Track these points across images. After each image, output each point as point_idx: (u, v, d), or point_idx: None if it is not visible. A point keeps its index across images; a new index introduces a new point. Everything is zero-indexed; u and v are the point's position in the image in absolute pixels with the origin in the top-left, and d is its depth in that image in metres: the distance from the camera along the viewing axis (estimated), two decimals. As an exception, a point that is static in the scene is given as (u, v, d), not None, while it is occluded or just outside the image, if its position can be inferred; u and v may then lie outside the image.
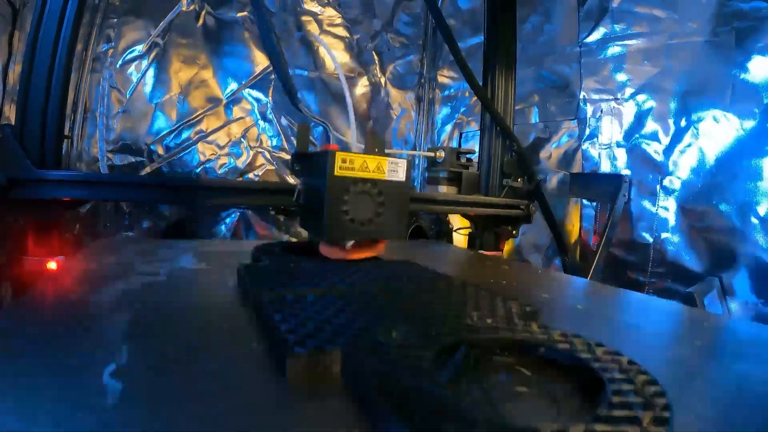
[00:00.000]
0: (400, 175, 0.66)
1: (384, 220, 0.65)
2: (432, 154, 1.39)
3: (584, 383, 0.30)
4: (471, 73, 1.27)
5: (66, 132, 1.53)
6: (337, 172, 0.61)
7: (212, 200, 0.96)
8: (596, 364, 0.31)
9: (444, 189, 1.36)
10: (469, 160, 1.42)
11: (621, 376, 0.29)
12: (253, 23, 1.93)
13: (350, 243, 0.67)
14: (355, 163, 0.62)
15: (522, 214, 1.34)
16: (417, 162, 2.28)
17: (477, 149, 1.50)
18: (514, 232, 1.39)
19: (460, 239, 1.55)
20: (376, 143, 0.67)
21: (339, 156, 0.61)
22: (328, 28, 2.09)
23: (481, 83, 1.39)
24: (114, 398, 0.28)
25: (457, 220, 1.58)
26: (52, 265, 0.89)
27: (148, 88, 1.79)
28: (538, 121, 1.77)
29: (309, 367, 0.31)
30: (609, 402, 0.26)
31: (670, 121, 1.36)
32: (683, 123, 1.33)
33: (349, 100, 0.88)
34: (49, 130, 0.85)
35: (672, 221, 1.34)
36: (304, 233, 1.98)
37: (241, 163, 1.92)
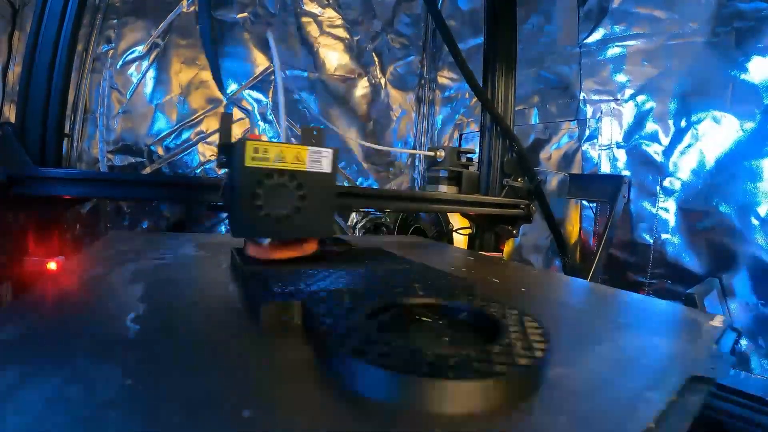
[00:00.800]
0: (325, 167, 0.60)
1: (305, 215, 0.59)
2: (432, 154, 1.39)
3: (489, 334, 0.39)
4: (471, 73, 1.27)
5: (66, 131, 1.53)
6: (249, 162, 0.55)
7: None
8: (500, 319, 0.40)
9: (444, 188, 1.36)
10: (470, 159, 1.42)
11: (515, 325, 0.39)
12: (254, 24, 1.93)
13: (266, 241, 0.62)
14: (269, 152, 0.56)
15: (522, 214, 1.34)
16: (417, 162, 2.29)
17: (477, 150, 1.50)
18: (514, 231, 1.38)
19: (460, 239, 1.55)
20: (311, 136, 0.62)
21: (250, 145, 0.55)
22: (329, 29, 2.09)
23: (481, 84, 1.39)
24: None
25: (456, 220, 1.58)
26: (52, 265, 0.89)
27: (148, 89, 1.79)
28: (538, 122, 1.77)
29: (276, 314, 0.43)
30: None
31: (670, 122, 1.36)
32: (683, 124, 1.33)
33: (280, 84, 0.81)
34: (49, 128, 0.85)
35: (672, 222, 1.34)
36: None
37: (241, 163, 1.92)
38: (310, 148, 0.58)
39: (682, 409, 0.33)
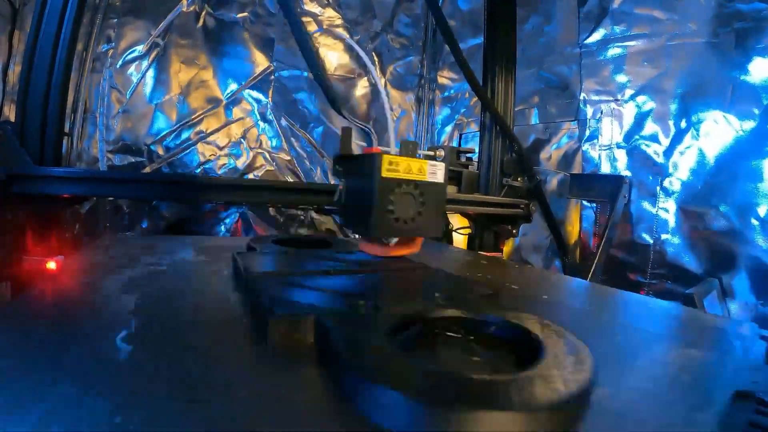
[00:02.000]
0: (439, 177, 0.69)
1: (424, 218, 0.68)
2: (432, 153, 1.39)
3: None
4: (471, 72, 1.27)
5: (66, 130, 1.53)
6: (384, 173, 0.64)
7: (223, 197, 0.97)
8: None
9: None
10: (469, 159, 1.42)
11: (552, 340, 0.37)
12: (254, 24, 1.93)
13: (394, 240, 0.71)
14: (399, 166, 0.65)
15: (522, 214, 1.34)
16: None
17: (477, 150, 1.50)
18: (513, 231, 1.38)
19: (459, 239, 1.55)
20: (409, 147, 0.70)
21: (386, 159, 0.64)
22: (328, 29, 2.09)
23: (481, 84, 1.39)
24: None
25: (456, 220, 1.58)
26: (51, 264, 0.89)
27: (148, 89, 1.79)
28: (538, 122, 1.77)
29: (287, 333, 0.40)
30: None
31: (670, 123, 1.36)
32: (683, 124, 1.33)
33: (387, 106, 0.91)
34: (48, 127, 0.85)
35: (672, 222, 1.34)
36: (302, 232, 1.98)
37: (240, 163, 1.92)
38: (429, 162, 0.68)
39: (731, 428, 0.32)
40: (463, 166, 1.39)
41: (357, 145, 0.78)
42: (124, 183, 0.92)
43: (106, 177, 0.97)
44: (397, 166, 0.65)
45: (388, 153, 0.66)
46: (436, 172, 0.69)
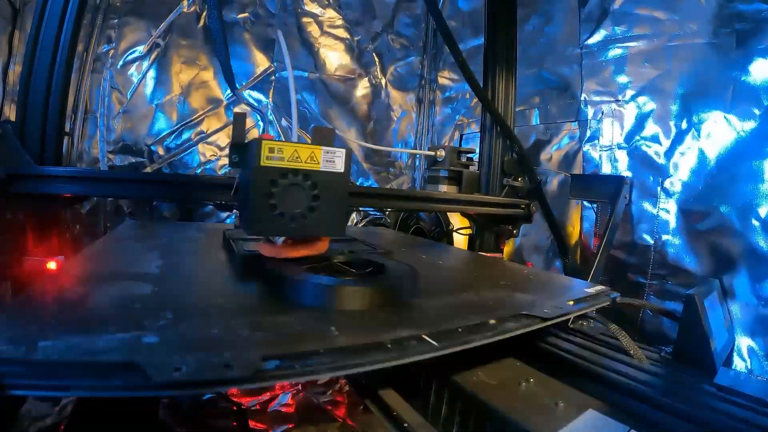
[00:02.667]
0: (338, 166, 0.61)
1: (319, 215, 0.61)
2: (432, 153, 1.39)
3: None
4: (471, 73, 1.27)
5: (66, 130, 1.53)
6: (264, 162, 0.56)
7: (226, 197, 0.97)
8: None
9: (444, 188, 1.36)
10: (470, 159, 1.42)
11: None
12: (254, 24, 1.94)
13: (281, 239, 0.64)
14: (284, 152, 0.57)
15: (522, 214, 1.34)
16: (417, 163, 2.29)
17: (477, 150, 1.50)
18: (514, 231, 1.38)
19: (459, 240, 1.55)
20: (322, 136, 0.62)
21: (266, 144, 0.56)
22: (329, 30, 2.10)
23: (481, 85, 1.39)
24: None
25: (457, 220, 1.58)
26: (52, 265, 0.89)
27: (148, 89, 1.79)
28: (538, 123, 1.77)
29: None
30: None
31: (671, 123, 1.36)
32: (684, 125, 1.33)
33: (291, 85, 0.80)
34: (49, 126, 0.85)
35: (673, 223, 1.34)
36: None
37: (241, 164, 1.92)
38: (324, 147, 0.59)
39: (497, 329, 0.51)
40: (463, 166, 1.39)
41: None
42: (125, 182, 0.92)
43: (107, 177, 0.97)
44: (280, 153, 0.57)
45: (268, 139, 0.58)
46: (333, 160, 0.60)
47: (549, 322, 0.57)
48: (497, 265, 1.05)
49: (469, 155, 1.42)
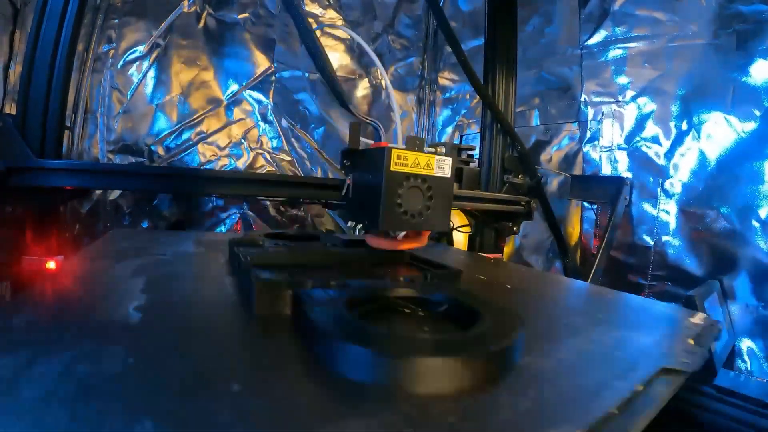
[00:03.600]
0: (446, 172, 0.70)
1: (432, 213, 0.69)
2: (432, 150, 1.39)
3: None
4: (472, 69, 1.26)
5: (66, 124, 1.53)
6: (393, 167, 0.64)
7: (227, 191, 0.97)
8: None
9: None
10: (470, 156, 1.42)
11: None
12: (255, 24, 1.93)
13: (402, 234, 0.71)
14: (408, 159, 0.66)
15: (523, 211, 1.34)
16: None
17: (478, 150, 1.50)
18: (515, 229, 1.38)
19: (459, 240, 1.55)
20: (416, 142, 0.70)
21: (395, 152, 0.64)
22: (329, 31, 2.10)
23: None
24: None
25: (456, 219, 1.58)
26: (51, 264, 0.88)
27: (148, 89, 1.79)
28: (538, 123, 1.77)
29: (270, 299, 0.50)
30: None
31: (671, 124, 1.36)
32: (684, 126, 1.33)
33: (394, 104, 0.93)
34: (49, 120, 0.85)
35: (673, 224, 1.34)
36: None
37: (241, 164, 1.92)
38: (437, 156, 0.68)
39: (647, 397, 0.36)
40: (464, 163, 1.39)
41: (363, 142, 0.79)
42: (125, 175, 0.91)
43: (107, 169, 0.97)
44: (405, 160, 0.65)
45: (396, 147, 0.66)
46: (443, 167, 0.69)
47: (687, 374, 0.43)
48: (562, 285, 0.90)
49: (470, 152, 1.42)
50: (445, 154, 0.71)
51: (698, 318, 0.60)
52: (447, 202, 0.71)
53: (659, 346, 0.50)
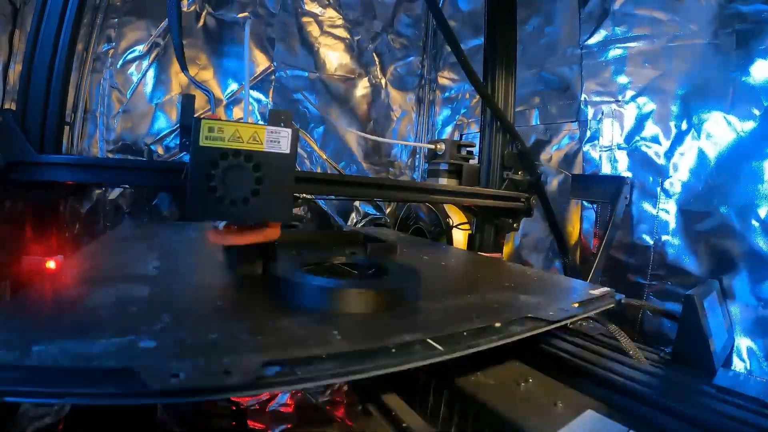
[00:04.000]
0: (284, 147, 0.57)
1: (263, 198, 0.57)
2: (432, 147, 1.39)
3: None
4: (471, 67, 1.25)
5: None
6: (203, 142, 0.53)
7: None
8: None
9: (444, 181, 1.35)
10: (470, 153, 1.41)
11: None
12: (254, 24, 1.93)
13: (222, 224, 0.62)
14: (225, 132, 0.54)
15: (523, 207, 1.34)
16: (417, 163, 2.29)
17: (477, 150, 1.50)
18: (515, 225, 1.38)
19: (459, 239, 1.55)
20: (280, 117, 0.59)
21: (205, 124, 0.53)
22: (329, 30, 2.09)
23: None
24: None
25: (455, 216, 1.58)
26: (51, 264, 0.88)
27: (148, 88, 1.79)
28: (538, 123, 1.77)
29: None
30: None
31: (671, 124, 1.36)
32: (684, 125, 1.33)
33: (246, 64, 0.77)
34: (49, 115, 0.85)
35: (672, 224, 1.34)
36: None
37: (241, 163, 1.92)
38: (268, 127, 0.56)
39: (498, 331, 0.51)
40: (463, 160, 1.39)
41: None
42: (124, 170, 0.91)
43: (107, 164, 0.97)
44: (220, 133, 0.54)
45: (207, 118, 0.54)
46: (279, 140, 0.57)
47: (554, 325, 0.56)
48: (499, 266, 1.04)
49: (469, 149, 1.41)
50: (442, 153, 0.68)
51: (598, 291, 0.72)
52: (285, 184, 0.59)
53: (539, 305, 0.62)
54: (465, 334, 0.48)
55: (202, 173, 0.54)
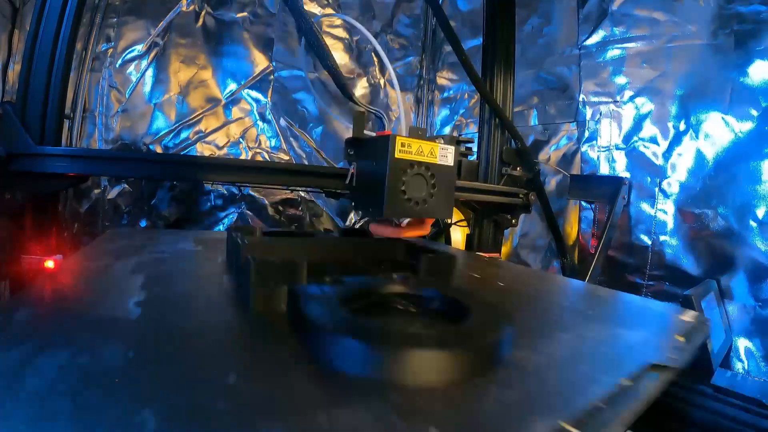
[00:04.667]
0: (449, 160, 0.71)
1: (435, 200, 0.70)
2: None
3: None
4: (470, 63, 1.25)
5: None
6: (397, 154, 0.65)
7: (226, 178, 0.97)
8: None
9: None
10: (468, 149, 1.42)
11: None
12: (253, 24, 1.93)
13: (406, 221, 0.73)
14: (412, 147, 0.67)
15: (521, 203, 1.34)
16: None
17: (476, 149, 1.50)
18: (513, 221, 1.39)
19: (458, 239, 1.55)
20: (418, 132, 0.72)
21: (399, 140, 0.65)
22: (328, 29, 2.10)
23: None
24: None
25: (453, 216, 1.58)
26: (50, 263, 0.88)
27: (147, 88, 1.79)
28: (537, 123, 1.77)
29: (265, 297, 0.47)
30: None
31: (669, 124, 1.36)
32: (682, 126, 1.33)
33: (397, 90, 1.03)
34: (49, 108, 0.86)
35: (670, 224, 1.34)
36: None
37: (240, 163, 1.92)
38: (440, 144, 0.69)
39: (634, 392, 0.36)
40: (462, 155, 1.40)
41: (368, 132, 0.81)
42: (123, 162, 0.91)
43: (105, 156, 0.97)
44: (409, 148, 0.66)
45: (400, 135, 0.67)
46: (446, 155, 0.71)
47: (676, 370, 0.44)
48: (562, 285, 0.88)
49: (468, 145, 1.42)
50: (448, 143, 0.72)
51: (688, 316, 0.60)
52: (450, 189, 0.72)
53: (649, 342, 0.50)
54: (603, 406, 0.33)
55: (397, 179, 0.66)
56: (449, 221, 1.58)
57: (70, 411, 0.26)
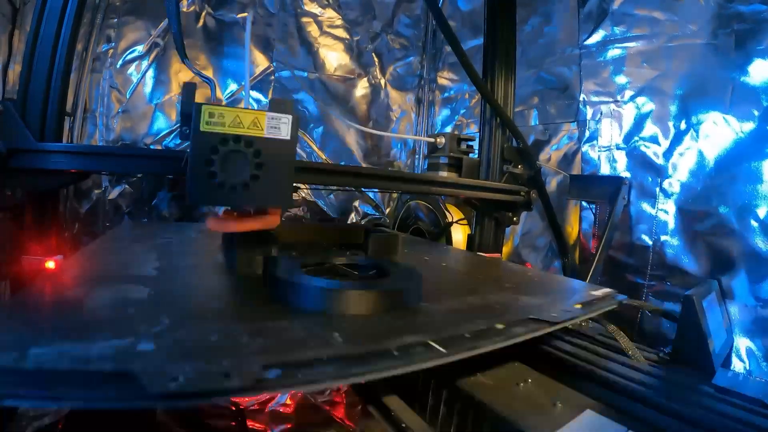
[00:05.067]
0: (284, 133, 0.57)
1: (263, 184, 0.57)
2: (432, 140, 1.39)
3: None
4: (469, 63, 1.24)
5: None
6: (203, 127, 0.53)
7: None
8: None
9: (444, 174, 1.35)
10: (470, 146, 1.41)
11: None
12: (254, 24, 1.93)
13: (221, 210, 0.63)
14: (225, 117, 0.54)
15: (522, 200, 1.34)
16: (417, 163, 2.29)
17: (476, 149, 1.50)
18: (515, 218, 1.38)
19: (459, 240, 1.55)
20: (281, 106, 0.59)
21: (206, 109, 0.54)
22: (328, 30, 2.10)
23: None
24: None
25: (453, 214, 1.58)
26: (50, 264, 0.89)
27: (147, 89, 1.79)
28: (537, 123, 1.77)
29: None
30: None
31: (670, 124, 1.36)
32: (683, 126, 1.33)
33: (247, 47, 0.79)
34: (50, 104, 0.86)
35: (671, 224, 1.34)
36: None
37: (240, 163, 1.92)
38: (268, 113, 0.56)
39: (502, 333, 0.50)
40: (463, 153, 1.39)
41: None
42: (123, 157, 0.91)
43: (105, 152, 0.97)
44: (221, 118, 0.54)
45: (208, 104, 0.54)
46: (279, 126, 0.57)
47: (557, 327, 0.56)
48: (500, 267, 1.04)
49: (469, 142, 1.41)
50: (442, 147, 0.67)
51: (600, 292, 0.73)
52: (285, 170, 0.59)
53: (541, 306, 0.62)
54: (467, 336, 0.47)
55: (202, 158, 0.54)
56: (449, 220, 1.58)
57: (116, 317, 0.45)
